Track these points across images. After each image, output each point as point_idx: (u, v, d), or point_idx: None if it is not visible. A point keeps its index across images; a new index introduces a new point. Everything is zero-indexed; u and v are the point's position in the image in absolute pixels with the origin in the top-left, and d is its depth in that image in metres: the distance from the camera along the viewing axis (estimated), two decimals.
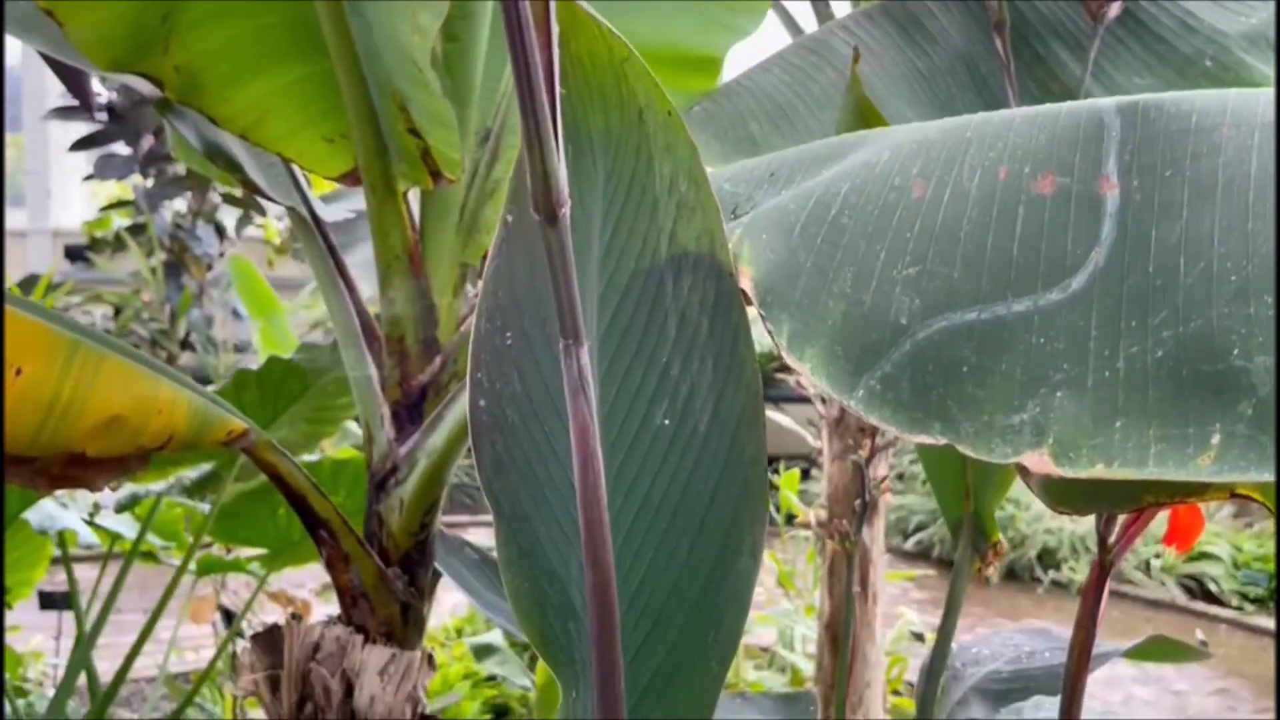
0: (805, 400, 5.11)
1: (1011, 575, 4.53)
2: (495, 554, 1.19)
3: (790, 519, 2.86)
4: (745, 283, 0.49)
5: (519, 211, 0.54)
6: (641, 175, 0.52)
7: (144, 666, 3.26)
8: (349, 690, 1.02)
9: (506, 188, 0.57)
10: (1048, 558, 4.54)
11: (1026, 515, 4.66)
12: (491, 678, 2.89)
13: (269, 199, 1.08)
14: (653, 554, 0.49)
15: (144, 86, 0.99)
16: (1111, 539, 0.68)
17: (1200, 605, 4.12)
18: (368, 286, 1.15)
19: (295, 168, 1.10)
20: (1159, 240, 0.45)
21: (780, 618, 2.50)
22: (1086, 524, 4.61)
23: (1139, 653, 0.99)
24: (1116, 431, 0.42)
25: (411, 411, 1.04)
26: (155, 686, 1.98)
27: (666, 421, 0.51)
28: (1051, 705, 0.84)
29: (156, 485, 1.37)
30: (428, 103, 0.92)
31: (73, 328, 0.81)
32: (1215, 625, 3.87)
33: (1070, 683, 0.71)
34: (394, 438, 1.03)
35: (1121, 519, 0.70)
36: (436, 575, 1.11)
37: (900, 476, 5.18)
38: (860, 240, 0.51)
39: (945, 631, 0.99)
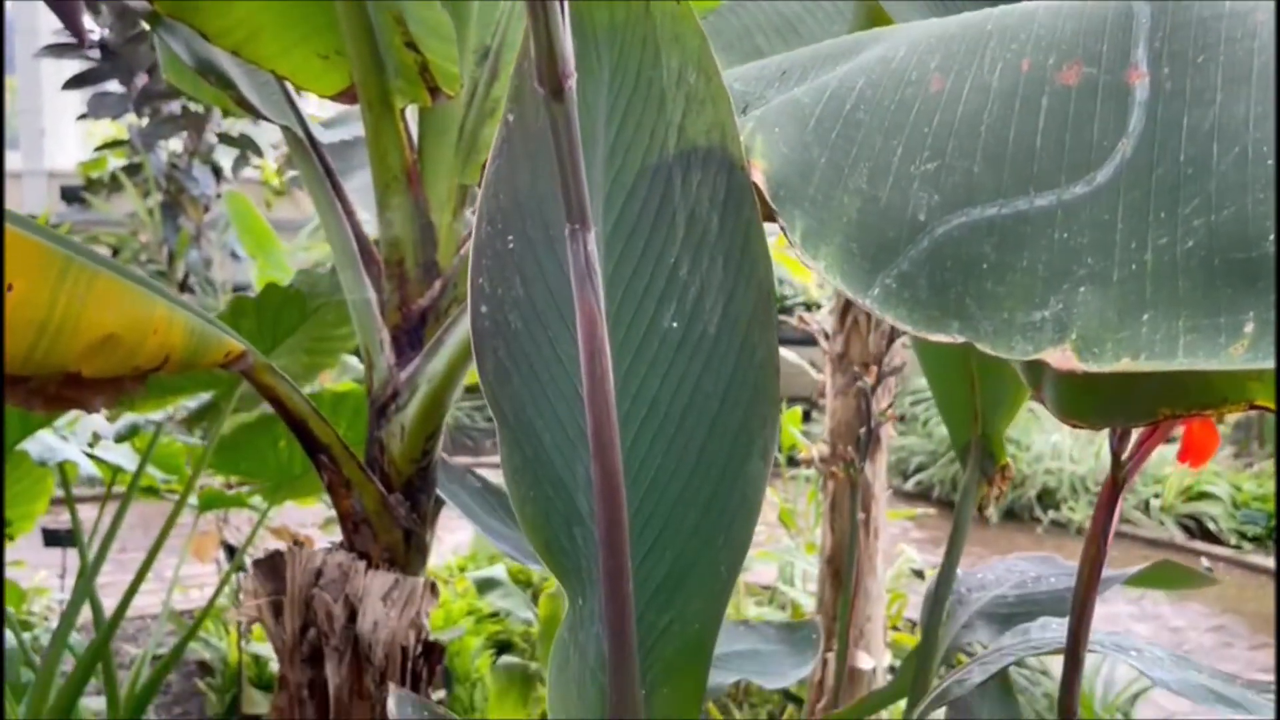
0: (806, 342, 5.10)
1: (1011, 515, 4.55)
2: (499, 483, 1.18)
3: (791, 460, 2.86)
4: (758, 177, 0.47)
5: (520, 110, 0.52)
6: (648, 68, 0.50)
7: (149, 605, 3.30)
8: (352, 615, 1.01)
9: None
10: (1047, 498, 4.56)
11: (1027, 456, 4.67)
12: (495, 614, 2.92)
13: (263, 118, 1.05)
14: (661, 457, 0.48)
15: (137, 10, 0.96)
16: (1125, 455, 0.67)
17: (1199, 544, 4.15)
18: (366, 214, 1.12)
19: (290, 86, 1.07)
20: (1190, 128, 0.43)
21: (781, 554, 2.51)
22: (1086, 464, 4.63)
23: (1145, 578, 0.99)
24: (1144, 324, 0.40)
25: (411, 336, 1.02)
26: (160, 623, 1.98)
27: (675, 324, 0.49)
28: (1059, 626, 0.83)
29: (156, 415, 1.36)
30: (425, 14, 0.89)
31: (64, 244, 0.79)
32: (1214, 563, 3.89)
33: (1080, 600, 0.70)
34: (394, 363, 1.02)
35: (1135, 436, 0.69)
36: (439, 503, 1.10)
37: (901, 418, 5.18)
38: (877, 135, 0.49)
39: (951, 555, 0.98)
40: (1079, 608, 0.71)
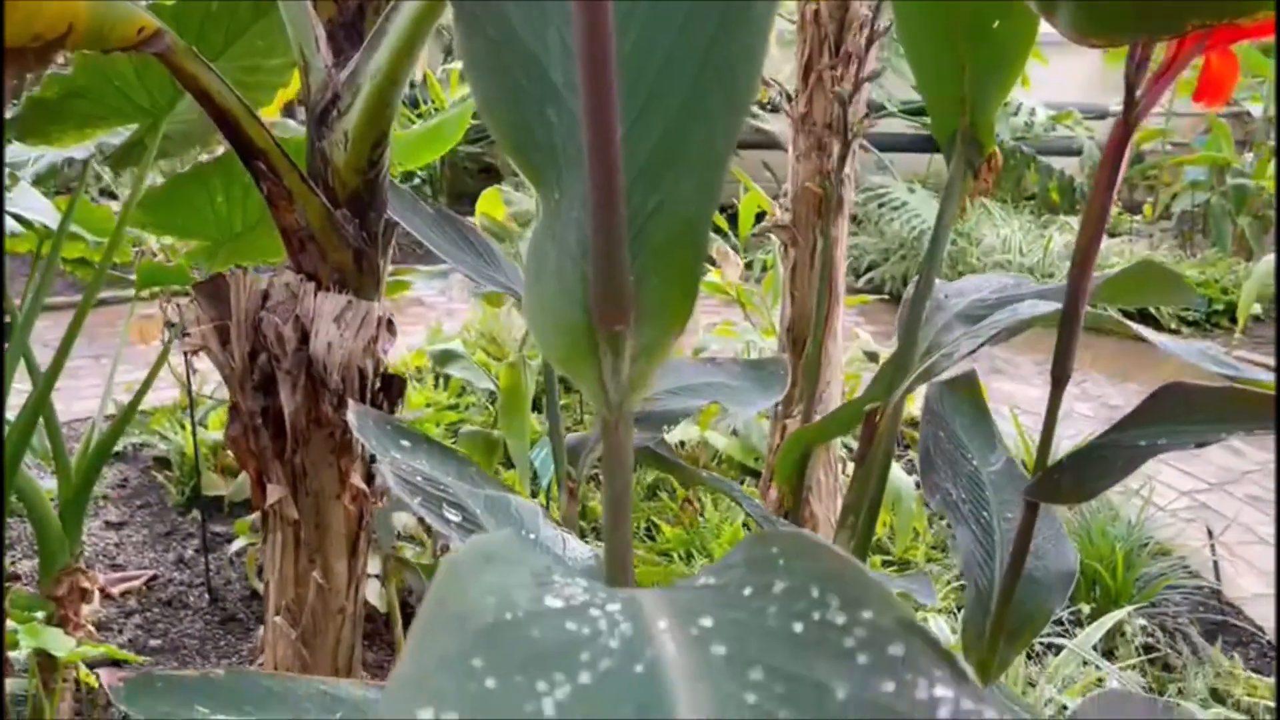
0: (766, 145, 4.98)
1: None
2: (453, 224, 1.11)
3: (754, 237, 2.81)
4: None
5: None
6: None
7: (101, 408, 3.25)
8: (304, 338, 0.96)
9: None
10: None
11: (978, 250, 4.68)
12: (453, 405, 2.91)
13: None
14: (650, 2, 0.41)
15: None
16: (1140, 90, 0.62)
17: (1140, 328, 4.24)
18: None
19: None
20: None
21: (741, 333, 2.49)
22: (1035, 256, 4.66)
23: (1128, 279, 0.96)
24: None
25: (349, 31, 0.93)
26: (101, 407, 1.92)
27: None
28: (1046, 306, 0.81)
29: (76, 151, 1.25)
30: None
31: None
32: (1154, 348, 3.98)
33: (1081, 256, 0.67)
34: (332, 63, 0.93)
35: (1148, 75, 0.63)
36: (390, 227, 1.03)
37: (855, 219, 5.15)
38: None
39: (932, 259, 0.95)
40: (1080, 263, 0.67)
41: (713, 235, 2.48)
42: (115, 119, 1.19)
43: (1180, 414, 0.67)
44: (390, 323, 1.06)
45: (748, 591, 0.37)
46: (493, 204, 1.85)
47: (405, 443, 0.83)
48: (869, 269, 4.92)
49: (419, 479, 0.78)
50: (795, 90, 1.98)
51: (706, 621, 0.36)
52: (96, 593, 1.57)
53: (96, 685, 1.81)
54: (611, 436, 0.43)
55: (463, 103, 1.92)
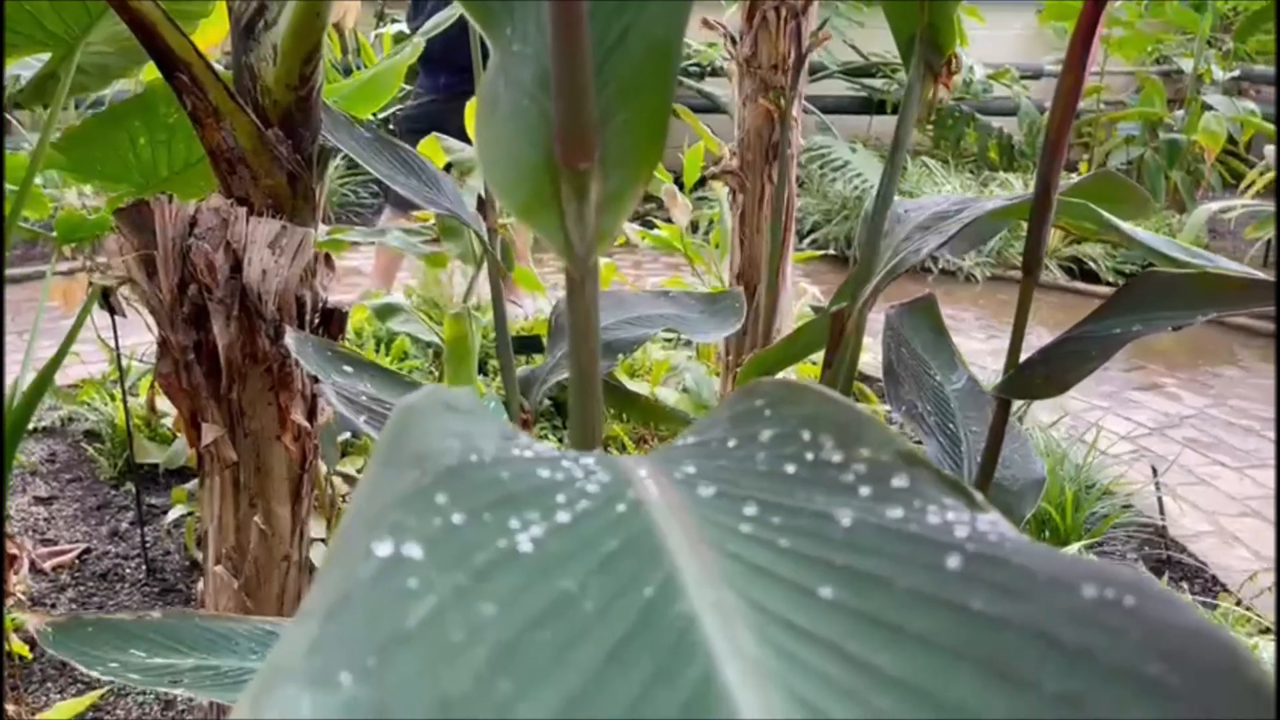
0: (709, 110, 4.94)
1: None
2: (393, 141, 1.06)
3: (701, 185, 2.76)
4: None
5: None
6: None
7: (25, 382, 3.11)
8: (236, 266, 0.91)
9: None
10: None
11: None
12: (404, 355, 2.84)
13: None
14: None
15: None
16: None
17: (1080, 284, 4.30)
18: None
19: None
20: None
21: (690, 287, 2.46)
22: None
23: (1087, 190, 0.94)
24: None
25: None
26: (21, 372, 1.83)
27: None
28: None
29: None
30: None
31: None
32: (1093, 300, 4.05)
33: (1052, 140, 0.65)
34: None
35: None
36: (326, 152, 0.98)
37: (799, 181, 5.14)
38: None
39: (892, 168, 0.92)
40: (1050, 150, 0.65)
41: (659, 177, 2.43)
42: (27, 47, 1.11)
43: (1155, 301, 0.65)
44: (329, 258, 1.01)
45: (732, 443, 0.34)
46: (432, 152, 1.80)
47: (348, 368, 0.78)
48: (812, 230, 4.92)
49: (364, 399, 0.73)
50: (740, 32, 1.95)
51: (690, 468, 0.33)
52: (26, 560, 1.50)
53: (30, 657, 1.74)
54: (577, 294, 0.39)
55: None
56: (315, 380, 0.95)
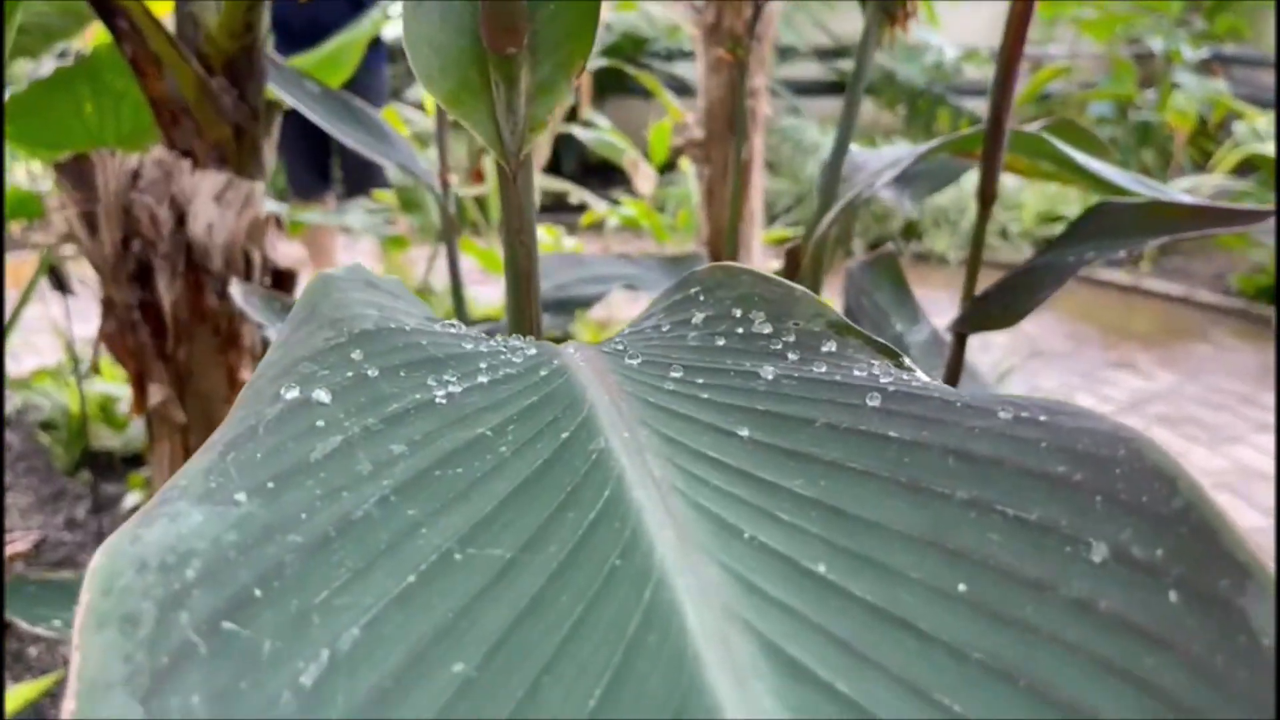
0: (675, 90, 4.91)
1: (875, 249, 4.63)
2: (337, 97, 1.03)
3: (668, 167, 2.75)
4: None
5: None
6: None
7: None
8: (181, 220, 0.88)
9: None
10: (910, 231, 4.65)
11: None
12: None
13: None
14: None
15: None
16: None
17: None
18: None
19: None
20: None
21: None
22: (949, 195, 4.71)
23: (1052, 129, 0.93)
24: None
25: None
26: None
27: None
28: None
29: None
30: None
31: None
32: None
33: (1003, 68, 0.63)
34: None
35: None
36: (273, 106, 0.95)
37: (769, 164, 5.14)
38: None
39: (847, 118, 0.91)
40: (1001, 78, 0.64)
41: (622, 146, 2.41)
42: None
43: (1109, 229, 0.64)
44: (279, 220, 0.98)
45: (666, 328, 0.32)
46: (391, 122, 1.77)
47: None
48: (785, 211, 4.92)
49: None
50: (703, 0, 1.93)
51: (620, 346, 0.31)
52: None
53: None
54: (509, 190, 0.38)
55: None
56: (264, 335, 0.93)
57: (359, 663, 0.16)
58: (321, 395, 0.22)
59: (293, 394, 0.22)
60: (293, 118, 1.02)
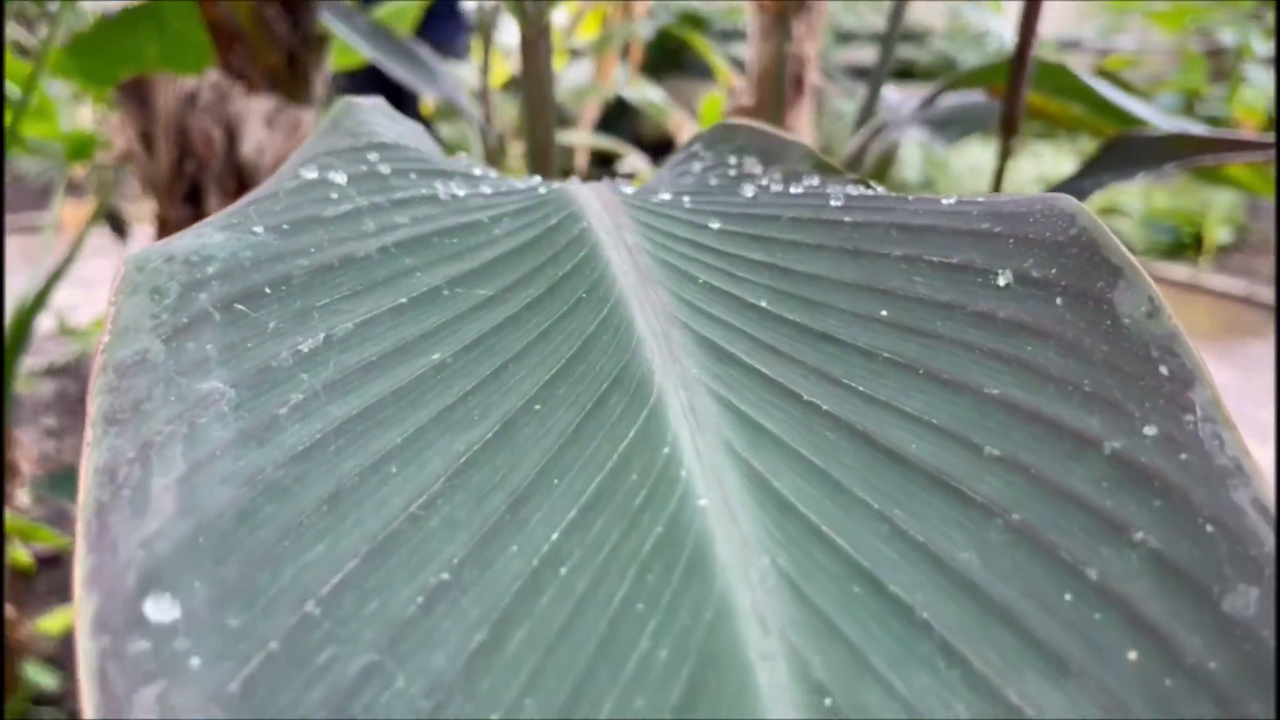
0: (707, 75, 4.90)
1: None
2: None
3: None
4: None
5: None
6: None
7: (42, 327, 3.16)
8: (233, 142, 0.92)
9: None
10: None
11: (947, 178, 4.67)
12: None
13: None
14: None
15: None
16: None
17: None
18: None
19: None
20: None
21: None
22: (1008, 183, 4.66)
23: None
24: None
25: None
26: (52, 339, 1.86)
27: None
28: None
29: None
30: None
31: None
32: None
33: (1028, 6, 0.64)
34: None
35: None
36: (326, 37, 0.99)
37: (824, 150, 5.11)
38: None
39: (885, 51, 0.92)
40: (1028, 7, 0.65)
41: (667, 110, 2.42)
42: None
43: (1128, 160, 0.65)
44: None
45: (666, 177, 0.34)
46: None
47: None
48: None
49: None
50: None
51: (627, 190, 0.34)
52: (27, 469, 1.52)
53: (34, 570, 1.77)
54: (531, 55, 0.40)
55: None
56: None
57: (351, 344, 0.18)
58: (337, 177, 0.25)
59: (311, 174, 0.25)
60: (371, 75, 1.05)
